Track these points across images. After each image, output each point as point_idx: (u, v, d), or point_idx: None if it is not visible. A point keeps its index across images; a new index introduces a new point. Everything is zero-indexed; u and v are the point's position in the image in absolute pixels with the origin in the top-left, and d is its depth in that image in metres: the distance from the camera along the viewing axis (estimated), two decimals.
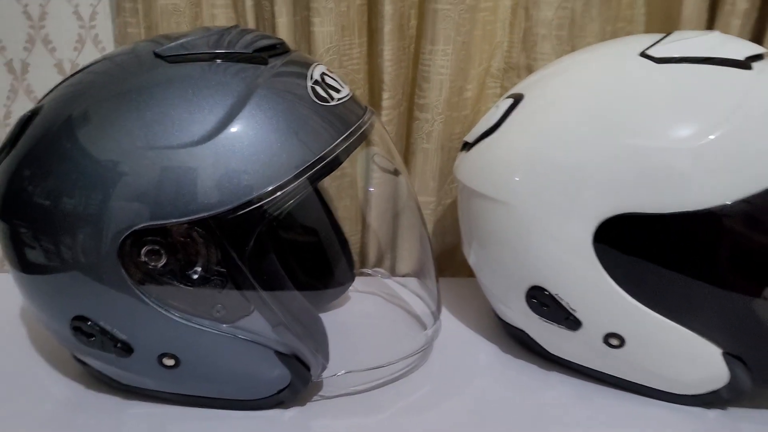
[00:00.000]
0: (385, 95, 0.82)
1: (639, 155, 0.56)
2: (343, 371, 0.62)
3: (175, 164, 0.53)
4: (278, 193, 0.53)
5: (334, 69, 0.72)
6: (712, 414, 0.62)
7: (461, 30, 0.79)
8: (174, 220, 0.52)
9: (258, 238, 0.54)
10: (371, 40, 0.84)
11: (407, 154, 0.87)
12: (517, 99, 0.66)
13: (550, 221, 0.60)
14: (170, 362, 0.58)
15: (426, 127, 0.83)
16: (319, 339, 0.61)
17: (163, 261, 0.54)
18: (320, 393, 0.64)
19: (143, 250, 0.54)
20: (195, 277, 0.54)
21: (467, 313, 0.79)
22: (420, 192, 0.86)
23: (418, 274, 0.83)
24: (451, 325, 0.76)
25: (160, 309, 0.55)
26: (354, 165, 0.84)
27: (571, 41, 0.82)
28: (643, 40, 0.63)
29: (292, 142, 0.55)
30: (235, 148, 0.53)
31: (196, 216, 0.52)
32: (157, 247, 0.53)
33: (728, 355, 0.59)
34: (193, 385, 0.60)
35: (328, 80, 0.61)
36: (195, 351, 0.57)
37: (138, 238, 0.53)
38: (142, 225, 0.53)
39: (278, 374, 0.59)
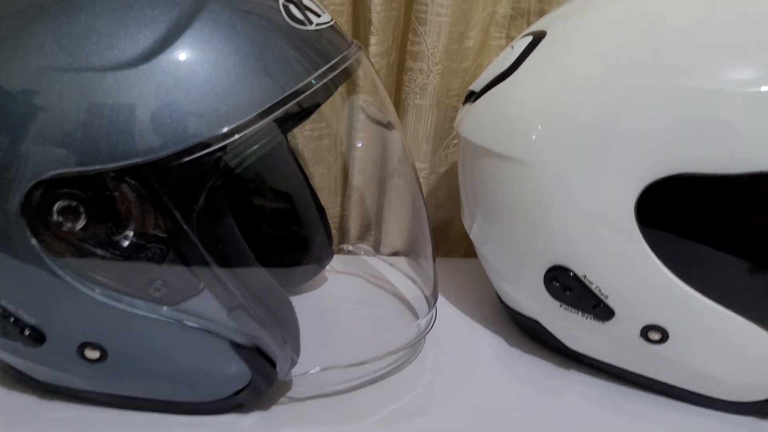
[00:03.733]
0: (373, 40, 0.70)
1: (693, 100, 0.45)
2: (317, 368, 0.52)
3: (99, 91, 0.40)
4: (235, 137, 0.42)
5: None
6: None
7: None
8: (97, 167, 0.40)
9: (210, 194, 0.42)
10: None
11: (397, 112, 0.75)
12: (538, 37, 0.54)
13: (577, 185, 0.49)
14: (94, 354, 0.46)
15: (420, 79, 0.71)
16: (288, 327, 0.50)
17: (83, 222, 0.42)
18: (288, 394, 0.54)
19: (56, 207, 0.41)
20: (125, 244, 0.42)
21: (465, 299, 0.69)
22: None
23: (410, 251, 0.72)
24: (446, 312, 0.66)
25: (78, 285, 0.43)
26: (336, 116, 0.72)
27: None
28: None
29: (256, 73, 0.43)
30: (179, 74, 0.41)
31: (127, 162, 0.40)
32: (74, 203, 0.41)
33: None
34: (126, 383, 0.49)
35: (306, 1, 0.49)
36: (126, 341, 0.46)
37: (49, 190, 0.41)
38: (53, 172, 0.40)
39: (235, 371, 0.48)
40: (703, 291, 0.47)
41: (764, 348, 0.48)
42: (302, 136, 0.73)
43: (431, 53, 0.70)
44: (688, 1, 0.48)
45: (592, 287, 0.51)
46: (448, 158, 0.77)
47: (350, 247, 0.74)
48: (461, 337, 0.63)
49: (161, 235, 0.42)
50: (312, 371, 0.51)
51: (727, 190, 0.45)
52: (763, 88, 0.43)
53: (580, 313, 0.53)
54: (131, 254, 0.42)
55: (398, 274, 0.70)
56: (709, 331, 0.49)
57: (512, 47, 0.57)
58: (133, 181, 0.41)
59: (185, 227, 0.42)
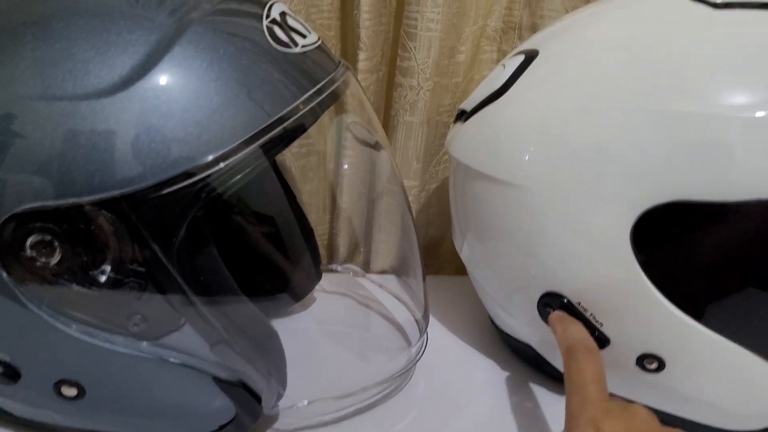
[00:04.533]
0: (362, 56, 0.68)
1: (689, 125, 0.43)
2: (304, 401, 0.49)
3: (74, 121, 0.38)
4: (220, 166, 0.40)
5: None
6: None
7: None
8: (72, 200, 0.38)
9: (191, 226, 0.40)
10: None
11: (386, 129, 0.73)
12: (530, 56, 0.53)
13: (570, 209, 0.47)
14: (71, 392, 0.44)
15: (410, 95, 0.69)
16: (273, 360, 0.48)
17: (58, 257, 0.40)
18: (275, 426, 0.52)
19: (29, 241, 0.39)
20: (102, 279, 0.40)
21: (457, 319, 0.67)
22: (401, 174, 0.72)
23: (400, 272, 0.69)
24: (437, 334, 0.64)
25: (53, 321, 0.41)
26: (323, 136, 0.70)
27: None
28: None
29: (240, 99, 0.42)
30: (159, 101, 0.39)
31: (104, 195, 0.38)
32: (48, 237, 0.39)
33: None
34: (106, 420, 0.47)
35: (291, 22, 0.47)
36: (104, 378, 0.44)
37: (21, 224, 0.39)
38: (27, 206, 0.39)
39: (219, 406, 0.46)
40: (700, 319, 0.46)
41: (762, 377, 0.47)
42: (290, 153, 0.71)
43: (421, 69, 0.68)
44: (684, 24, 0.47)
45: (587, 314, 0.49)
46: (438, 175, 0.75)
47: (339, 268, 0.71)
48: (453, 361, 0.61)
49: (139, 269, 0.40)
50: (299, 404, 0.49)
51: (725, 218, 0.44)
52: (759, 114, 0.42)
53: None
54: (108, 289, 0.40)
55: (388, 295, 0.68)
56: (707, 360, 0.47)
57: (503, 66, 0.55)
58: (110, 214, 0.39)
59: (164, 260, 0.40)
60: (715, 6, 0.46)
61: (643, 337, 0.48)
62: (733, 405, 0.49)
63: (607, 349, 0.49)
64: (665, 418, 0.51)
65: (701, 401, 0.49)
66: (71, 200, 0.38)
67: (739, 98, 0.43)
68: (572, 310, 0.49)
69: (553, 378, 0.56)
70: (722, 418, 0.50)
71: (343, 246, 0.75)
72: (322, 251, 0.75)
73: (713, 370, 0.48)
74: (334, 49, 0.71)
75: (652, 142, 0.44)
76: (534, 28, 0.71)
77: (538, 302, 0.51)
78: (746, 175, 0.42)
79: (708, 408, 0.50)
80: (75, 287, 0.40)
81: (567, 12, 0.69)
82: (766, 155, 0.42)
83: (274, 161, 0.63)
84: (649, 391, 0.50)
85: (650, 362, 0.48)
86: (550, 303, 0.51)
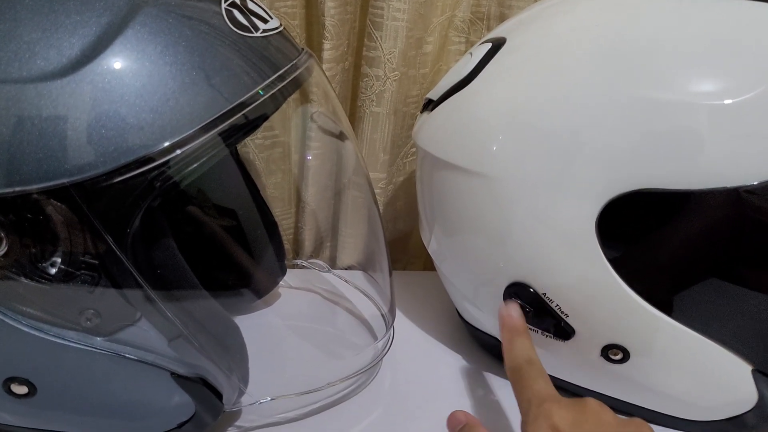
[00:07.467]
0: (327, 45, 0.67)
1: (656, 112, 0.43)
2: (267, 397, 0.48)
3: (19, 105, 0.37)
4: (176, 153, 0.38)
5: None
6: None
7: None
8: (19, 189, 0.37)
9: (147, 216, 0.39)
10: None
11: (352, 120, 0.72)
12: (497, 44, 0.52)
13: (538, 199, 0.47)
14: (21, 390, 0.42)
15: (376, 86, 0.68)
16: (235, 356, 0.46)
17: (4, 248, 0.38)
18: (237, 423, 0.51)
19: None
20: (52, 271, 0.39)
21: (424, 314, 0.66)
22: (367, 167, 0.71)
23: (366, 266, 0.68)
24: (404, 329, 0.63)
25: (1, 316, 0.39)
26: (287, 126, 0.68)
27: None
28: None
29: (197, 84, 0.40)
30: (111, 85, 0.38)
31: (53, 183, 0.37)
32: None
33: (759, 374, 0.47)
34: (59, 419, 0.45)
35: (252, 6, 0.46)
36: (56, 375, 0.42)
37: None
38: None
39: (177, 403, 0.45)
40: (664, 310, 0.46)
41: (725, 367, 0.47)
42: (254, 144, 0.69)
43: (388, 59, 0.67)
44: (652, 12, 0.46)
45: (552, 305, 0.49)
46: (406, 167, 0.74)
47: (304, 263, 0.70)
48: (419, 355, 0.60)
49: (92, 261, 0.39)
50: (262, 401, 0.48)
51: (689, 206, 0.44)
52: (726, 101, 0.42)
53: (540, 332, 0.50)
54: (59, 283, 0.39)
55: (354, 290, 0.67)
56: (671, 351, 0.47)
57: (471, 54, 0.54)
58: (60, 204, 0.37)
59: (118, 252, 0.38)
60: None
61: (607, 328, 0.48)
62: (696, 395, 0.49)
63: (571, 340, 0.49)
64: (629, 409, 0.51)
65: (665, 392, 0.49)
66: (18, 189, 0.37)
67: (707, 86, 0.43)
68: (538, 300, 0.49)
69: None
70: (687, 409, 0.50)
71: (308, 240, 0.74)
72: (288, 246, 0.73)
73: (677, 360, 0.48)
74: (299, 39, 0.70)
75: (620, 129, 0.44)
76: (502, 19, 0.70)
77: (505, 293, 0.51)
78: (712, 162, 0.42)
79: (672, 398, 0.50)
80: (23, 280, 0.38)
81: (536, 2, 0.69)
82: (732, 143, 0.42)
83: (237, 153, 0.61)
84: (613, 381, 0.50)
85: (615, 353, 0.48)
86: (517, 294, 0.50)
